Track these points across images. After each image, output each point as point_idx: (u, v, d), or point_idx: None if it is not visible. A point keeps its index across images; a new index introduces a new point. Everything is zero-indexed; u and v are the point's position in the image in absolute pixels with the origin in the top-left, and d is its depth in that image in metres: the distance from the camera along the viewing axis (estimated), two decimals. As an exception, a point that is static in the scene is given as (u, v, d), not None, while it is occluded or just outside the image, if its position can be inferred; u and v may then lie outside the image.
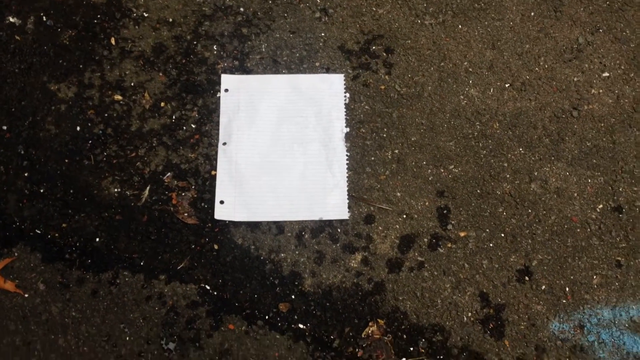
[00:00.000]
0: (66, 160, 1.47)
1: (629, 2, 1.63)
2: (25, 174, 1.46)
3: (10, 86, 1.53)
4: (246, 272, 1.39)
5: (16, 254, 1.40)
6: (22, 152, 1.47)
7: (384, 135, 1.50)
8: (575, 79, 1.56)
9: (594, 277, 1.40)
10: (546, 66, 1.57)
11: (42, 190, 1.45)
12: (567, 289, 1.39)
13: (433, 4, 1.62)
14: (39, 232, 1.42)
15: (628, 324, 1.36)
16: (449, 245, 1.42)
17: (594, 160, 1.49)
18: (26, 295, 1.37)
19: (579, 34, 1.61)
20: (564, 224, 1.43)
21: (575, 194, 1.46)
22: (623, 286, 1.39)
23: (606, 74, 1.57)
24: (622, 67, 1.57)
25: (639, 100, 1.54)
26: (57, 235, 1.42)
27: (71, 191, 1.45)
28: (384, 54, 1.57)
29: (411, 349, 1.35)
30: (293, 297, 1.38)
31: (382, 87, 1.54)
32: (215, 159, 1.47)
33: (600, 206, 1.45)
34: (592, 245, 1.42)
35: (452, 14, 1.62)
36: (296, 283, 1.39)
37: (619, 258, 1.41)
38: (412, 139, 1.50)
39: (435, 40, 1.59)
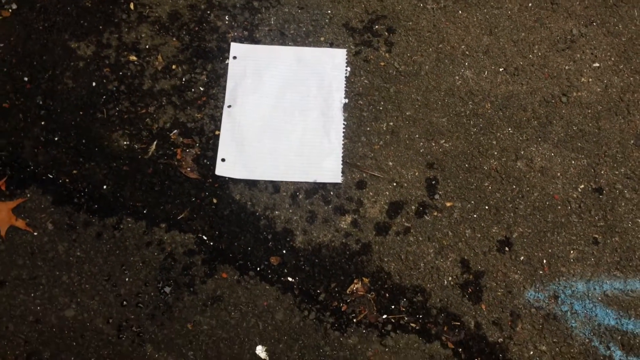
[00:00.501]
0: (80, 113, 1.59)
1: (622, -3, 1.73)
2: (42, 123, 1.58)
3: (34, 42, 1.65)
4: (241, 226, 1.50)
5: (28, 195, 1.51)
6: (40, 103, 1.60)
7: (380, 108, 1.61)
8: (566, 67, 1.66)
9: (571, 251, 1.50)
10: (540, 54, 1.68)
11: (56, 139, 1.57)
12: (544, 261, 1.49)
13: None
14: (50, 176, 1.53)
15: (601, 298, 1.45)
16: (435, 213, 1.52)
17: (579, 144, 1.59)
18: (35, 234, 1.49)
19: (573, 26, 1.71)
20: (546, 201, 1.53)
21: (559, 174, 1.56)
22: (598, 262, 1.48)
23: (596, 64, 1.67)
24: (613, 59, 1.67)
25: (626, 90, 1.64)
26: (67, 180, 1.53)
27: (83, 141, 1.57)
28: (386, 34, 1.68)
29: (392, 307, 1.45)
30: (284, 251, 1.49)
31: (382, 63, 1.65)
32: (220, 120, 1.58)
33: (582, 186, 1.55)
34: (572, 222, 1.52)
35: (453, 0, 1.73)
36: (288, 239, 1.50)
37: (596, 236, 1.51)
38: (407, 113, 1.61)
39: (436, 23, 1.70)
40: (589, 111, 1.63)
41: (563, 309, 1.46)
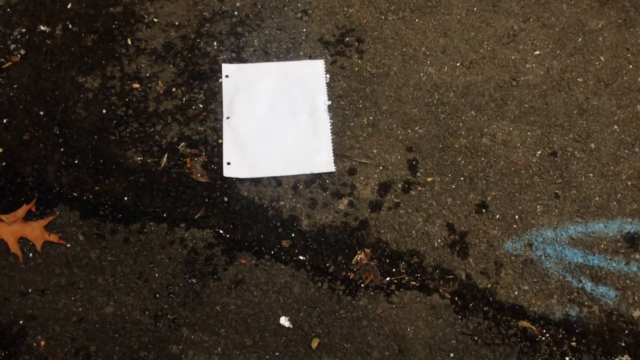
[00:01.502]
0: (95, 137, 1.85)
1: (548, -7, 2.12)
2: (61, 149, 1.83)
3: (45, 80, 1.92)
4: (252, 217, 1.77)
5: (57, 213, 1.75)
6: (58, 132, 1.85)
7: (360, 106, 1.92)
8: (512, 57, 2.01)
9: (538, 206, 1.81)
10: (489, 48, 2.02)
11: (76, 162, 1.82)
12: (516, 217, 1.79)
13: (394, 3, 2.08)
14: (75, 194, 1.78)
15: (567, 241, 1.76)
16: (419, 188, 1.82)
17: (532, 118, 1.92)
18: (68, 245, 1.72)
19: (514, 23, 2.07)
20: (511, 167, 1.85)
21: (519, 144, 1.88)
22: (561, 212, 1.80)
23: (537, 52, 2.02)
24: (550, 46, 2.03)
25: (565, 71, 1.99)
26: (91, 196, 1.78)
27: (101, 161, 1.82)
28: (356, 43, 2.01)
29: (394, 270, 1.73)
30: (293, 235, 1.75)
31: (356, 69, 1.97)
32: (221, 130, 1.86)
33: (539, 152, 1.87)
34: (535, 182, 1.83)
35: (410, 10, 2.07)
36: (295, 224, 1.77)
37: (557, 191, 1.82)
38: (383, 108, 1.92)
39: (398, 31, 2.03)
40: (536, 91, 1.97)
41: (537, 254, 1.75)
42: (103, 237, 1.76)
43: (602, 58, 2.06)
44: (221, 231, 1.78)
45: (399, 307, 1.71)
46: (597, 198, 1.82)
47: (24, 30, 2.04)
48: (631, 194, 1.86)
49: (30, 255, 1.72)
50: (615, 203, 1.85)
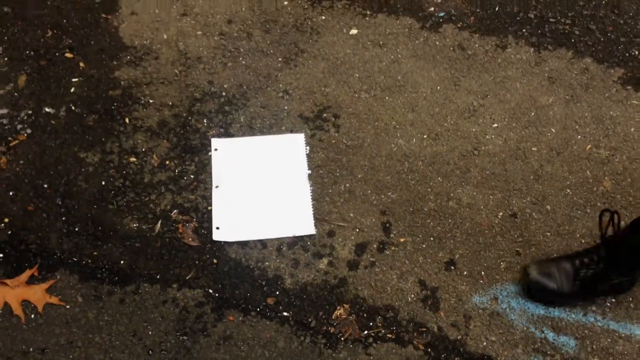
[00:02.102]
0: (95, 206, 2.05)
1: (507, 77, 2.40)
2: (63, 218, 2.02)
3: (48, 156, 2.13)
4: (240, 277, 1.95)
5: (58, 277, 1.92)
6: (60, 203, 2.05)
7: (337, 174, 2.15)
8: (473, 130, 2.27)
9: (501, 263, 2.01)
10: (452, 122, 2.29)
11: (76, 229, 2.01)
12: (482, 273, 1.99)
13: (366, 83, 2.35)
14: (75, 259, 1.96)
15: (530, 294, 1.96)
16: (393, 248, 2.02)
17: (493, 183, 2.16)
18: (67, 306, 1.88)
19: (473, 99, 2.35)
20: (476, 228, 2.07)
21: (482, 207, 2.11)
22: (523, 268, 2.00)
23: (495, 125, 2.29)
24: (507, 120, 2.30)
25: (520, 141, 2.25)
26: (89, 261, 1.96)
27: (99, 228, 2.01)
28: (333, 119, 2.26)
29: (371, 324, 1.90)
30: (277, 293, 1.93)
31: (334, 141, 2.21)
32: (211, 198, 2.07)
33: (501, 214, 2.10)
34: (498, 241, 2.05)
35: (381, 89, 2.34)
36: (279, 283, 1.95)
37: (518, 249, 2.04)
38: (359, 176, 2.15)
39: (370, 107, 2.29)
40: (496, 159, 2.21)
41: (503, 307, 1.94)
42: (100, 299, 1.91)
43: (553, 130, 2.33)
44: (211, 290, 1.95)
45: (376, 359, 1.86)
46: (554, 255, 2.03)
47: (30, 112, 2.26)
48: None
49: (32, 316, 1.87)
50: None
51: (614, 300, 1.94)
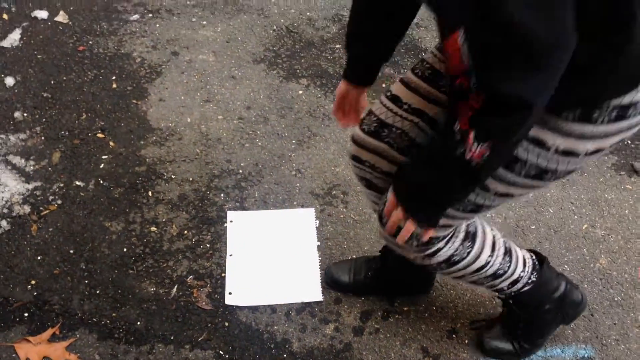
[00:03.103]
0: (116, 271, 2.22)
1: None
2: (86, 281, 2.19)
3: (76, 224, 2.33)
4: (250, 340, 2.08)
5: (78, 335, 2.06)
6: (83, 267, 2.22)
7: (345, 247, 2.32)
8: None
9: None
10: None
11: (97, 292, 2.17)
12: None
13: None
14: (95, 320, 2.11)
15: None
16: (397, 316, 2.15)
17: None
18: None
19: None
20: (477, 299, 2.20)
21: None
22: None
23: (495, 203, 2.46)
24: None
25: (519, 220, 2.41)
26: (108, 321, 2.11)
27: (119, 291, 2.17)
28: (342, 195, 2.46)
29: None
30: (285, 355, 2.06)
31: (342, 216, 2.40)
32: (225, 266, 2.24)
33: None
34: (498, 312, 2.17)
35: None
36: (287, 346, 2.07)
37: None
38: (365, 248, 2.32)
39: (376, 186, 2.49)
40: (496, 234, 2.37)
41: (503, 374, 2.04)
42: (116, 357, 2.04)
43: (550, 210, 2.50)
44: (221, 352, 2.07)
45: (379, 421, 1.94)
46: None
47: (62, 184, 2.49)
48: (583, 324, 2.18)
49: (51, 372, 1.99)
50: (570, 331, 2.16)
51: None
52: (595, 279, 2.28)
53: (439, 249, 1.61)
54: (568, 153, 1.31)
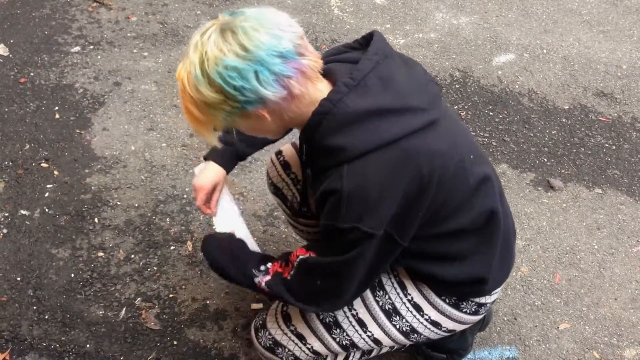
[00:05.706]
0: (64, 296, 2.31)
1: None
2: (34, 307, 2.27)
3: (22, 252, 2.42)
4: (198, 357, 2.20)
5: None
6: (31, 294, 2.31)
7: None
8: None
9: None
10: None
11: (46, 317, 2.26)
12: None
13: None
14: (44, 344, 2.19)
15: None
16: None
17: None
18: None
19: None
20: None
21: None
22: None
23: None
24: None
25: None
26: (58, 345, 2.19)
27: (68, 315, 2.27)
28: (283, 217, 2.62)
29: None
30: None
31: (284, 235, 2.56)
32: (172, 287, 2.36)
33: None
34: None
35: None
36: None
37: None
38: None
39: (315, 206, 2.67)
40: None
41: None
42: (67, 379, 2.12)
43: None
44: (170, 370, 2.18)
45: None
46: (481, 333, 2.35)
47: (7, 214, 2.56)
48: (508, 327, 2.40)
49: (2, 396, 2.05)
50: (495, 334, 2.38)
51: None
52: (518, 286, 2.51)
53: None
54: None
